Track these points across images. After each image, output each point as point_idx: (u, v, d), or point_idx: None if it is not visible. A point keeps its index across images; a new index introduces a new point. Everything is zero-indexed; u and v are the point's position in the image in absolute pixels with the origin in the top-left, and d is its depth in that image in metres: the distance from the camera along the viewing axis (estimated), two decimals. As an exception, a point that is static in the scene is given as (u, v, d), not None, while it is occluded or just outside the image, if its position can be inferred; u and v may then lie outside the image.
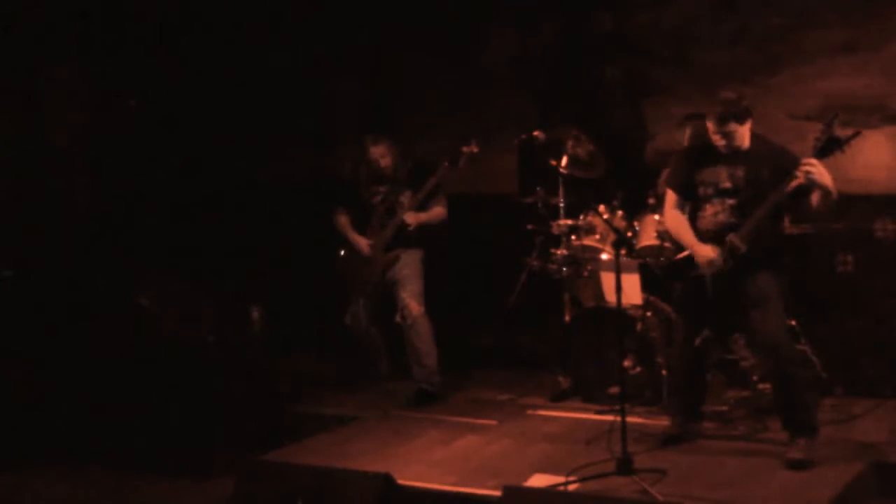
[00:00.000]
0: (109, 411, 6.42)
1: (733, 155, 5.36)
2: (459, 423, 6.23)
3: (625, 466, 5.01)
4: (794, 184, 5.14)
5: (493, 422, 6.22)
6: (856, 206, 6.74)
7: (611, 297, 5.97)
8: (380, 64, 8.32)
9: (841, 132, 5.15)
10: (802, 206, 5.31)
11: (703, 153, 5.47)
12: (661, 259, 6.21)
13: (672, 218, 5.57)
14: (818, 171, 5.06)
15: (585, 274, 6.72)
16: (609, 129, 7.35)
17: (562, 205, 6.77)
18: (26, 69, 7.71)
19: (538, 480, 5.07)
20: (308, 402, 6.91)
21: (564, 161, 6.74)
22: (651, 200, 6.49)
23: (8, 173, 7.59)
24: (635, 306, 6.37)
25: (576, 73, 7.69)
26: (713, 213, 5.40)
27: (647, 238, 6.44)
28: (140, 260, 7.60)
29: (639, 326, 6.34)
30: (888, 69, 6.76)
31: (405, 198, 6.85)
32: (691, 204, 5.51)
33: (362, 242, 6.97)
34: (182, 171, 8.26)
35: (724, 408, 6.01)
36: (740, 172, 5.33)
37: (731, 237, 5.27)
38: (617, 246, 5.32)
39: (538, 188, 6.83)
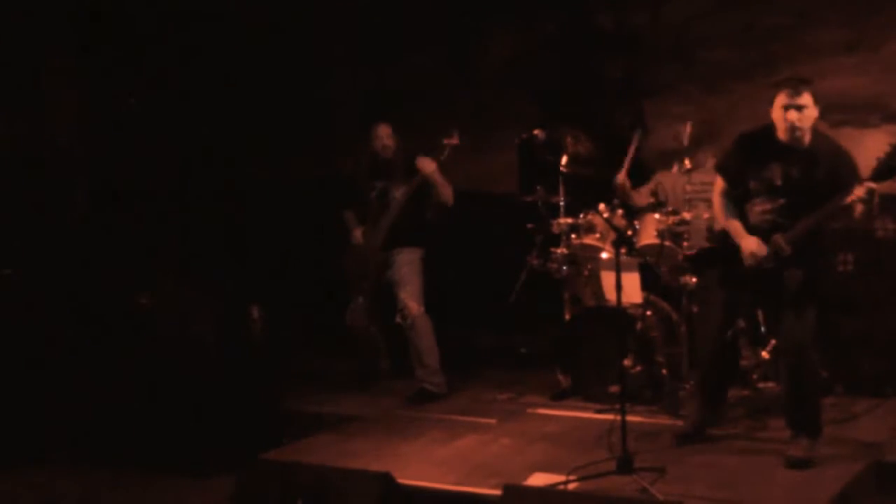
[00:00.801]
0: (109, 411, 6.42)
1: (790, 151, 5.18)
2: (459, 422, 6.23)
3: (625, 465, 5.01)
4: (848, 200, 4.99)
5: (493, 421, 6.21)
6: (856, 205, 6.74)
7: (611, 295, 5.97)
8: (380, 64, 8.32)
9: None
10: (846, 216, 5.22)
11: (759, 145, 5.26)
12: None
13: (720, 205, 5.42)
14: (873, 197, 4.95)
15: (585, 273, 6.72)
16: (609, 128, 7.35)
17: (562, 203, 6.77)
18: (26, 69, 7.71)
19: (538, 479, 5.07)
20: (308, 402, 6.91)
21: (564, 160, 6.74)
22: (651, 199, 6.49)
23: (8, 173, 7.58)
24: (635, 305, 6.38)
25: (576, 73, 7.69)
26: (762, 209, 5.24)
27: (648, 237, 6.44)
28: (140, 260, 7.60)
29: (639, 325, 6.33)
30: (888, 68, 6.77)
31: (398, 193, 6.84)
32: (740, 194, 5.34)
33: (357, 234, 6.98)
34: (182, 170, 8.26)
35: (725, 407, 6.00)
36: (795, 172, 5.15)
37: (778, 238, 5.14)
38: (617, 245, 5.32)
39: (538, 187, 6.83)
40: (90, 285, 7.22)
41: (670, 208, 6.40)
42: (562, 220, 6.72)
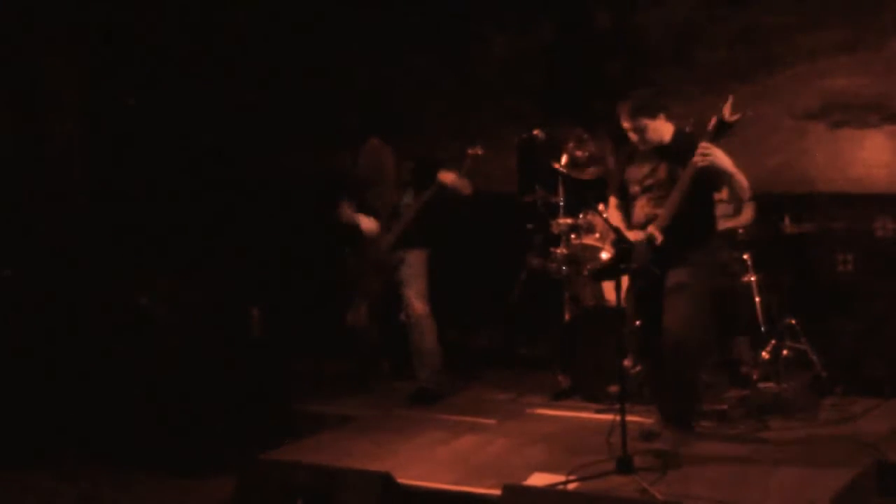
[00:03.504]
0: (109, 411, 6.42)
1: (655, 151, 5.48)
2: (459, 422, 6.23)
3: (625, 465, 5.01)
4: (694, 169, 5.21)
5: (493, 421, 6.22)
6: (856, 205, 6.76)
7: (610, 296, 5.97)
8: (380, 64, 8.32)
9: (730, 116, 5.20)
10: (714, 194, 5.45)
11: (631, 152, 5.62)
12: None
13: (610, 217, 5.65)
14: (714, 153, 5.17)
15: (585, 273, 6.72)
16: (609, 128, 7.35)
17: (561, 204, 6.77)
18: (26, 68, 7.71)
19: (538, 479, 5.07)
20: (308, 402, 6.91)
21: (565, 160, 6.74)
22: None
23: (8, 173, 7.58)
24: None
25: (576, 73, 7.69)
26: (640, 208, 5.53)
27: (647, 237, 6.45)
28: (140, 259, 7.60)
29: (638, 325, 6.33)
30: (888, 68, 6.77)
31: (408, 198, 6.83)
32: (629, 203, 5.64)
33: (368, 223, 6.86)
34: (182, 170, 8.26)
35: (724, 407, 6.00)
36: (662, 168, 5.45)
37: (650, 227, 5.38)
38: (617, 245, 5.33)
39: (538, 187, 6.83)
40: (90, 285, 7.21)
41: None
42: (561, 220, 6.72)
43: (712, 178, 5.29)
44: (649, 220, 5.43)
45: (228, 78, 8.39)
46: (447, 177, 6.62)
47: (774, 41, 7.10)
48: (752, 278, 6.40)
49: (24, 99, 7.75)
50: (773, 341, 6.31)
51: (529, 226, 6.84)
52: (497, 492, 4.83)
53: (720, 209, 6.61)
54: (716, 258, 5.68)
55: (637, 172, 5.55)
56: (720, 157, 5.22)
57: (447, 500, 5.07)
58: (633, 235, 5.44)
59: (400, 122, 7.71)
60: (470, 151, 6.70)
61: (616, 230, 5.37)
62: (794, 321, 6.35)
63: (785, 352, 6.30)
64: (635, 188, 5.56)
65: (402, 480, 5.09)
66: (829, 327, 6.60)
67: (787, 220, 6.42)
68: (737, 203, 6.02)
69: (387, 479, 5.04)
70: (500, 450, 5.62)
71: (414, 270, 6.80)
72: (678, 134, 5.53)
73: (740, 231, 6.55)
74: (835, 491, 4.81)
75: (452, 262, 7.50)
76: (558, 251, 6.73)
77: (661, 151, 5.50)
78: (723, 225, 6.63)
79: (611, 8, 7.56)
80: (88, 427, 6.43)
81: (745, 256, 6.46)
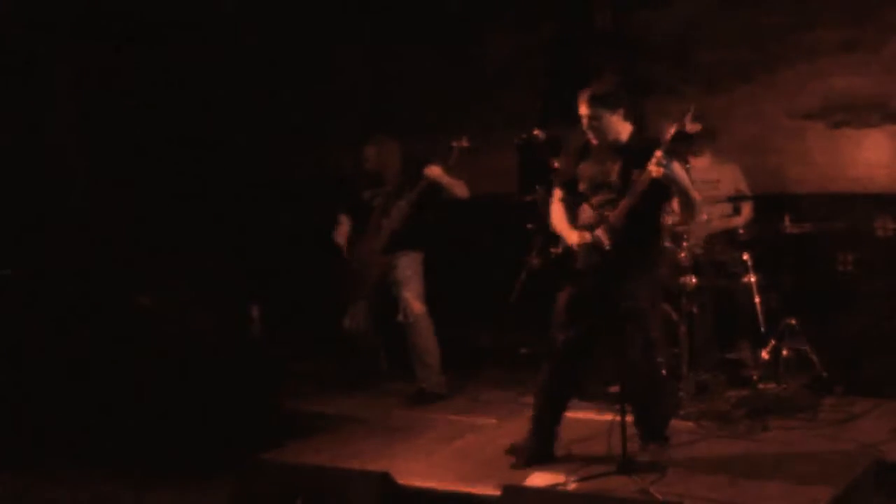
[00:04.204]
0: (109, 411, 6.42)
1: (611, 149, 5.20)
2: (459, 422, 6.23)
3: (625, 465, 5.01)
4: (648, 178, 4.94)
5: (493, 421, 6.22)
6: (856, 205, 6.76)
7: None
8: (380, 64, 8.32)
9: (691, 127, 5.05)
10: (666, 206, 5.26)
11: (586, 149, 5.33)
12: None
13: (553, 209, 5.45)
14: (668, 165, 4.91)
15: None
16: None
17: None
18: (26, 68, 7.71)
19: (538, 479, 5.07)
20: (308, 402, 6.91)
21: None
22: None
23: (8, 173, 7.58)
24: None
25: (575, 73, 7.68)
26: (589, 208, 5.28)
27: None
28: (140, 260, 7.60)
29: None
30: (888, 68, 6.77)
31: (400, 199, 6.84)
32: (575, 198, 5.38)
33: (341, 240, 7.00)
34: (182, 170, 8.26)
35: (725, 407, 6.00)
36: (616, 168, 5.17)
37: (598, 230, 5.12)
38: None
39: (538, 187, 6.82)
40: (90, 285, 7.21)
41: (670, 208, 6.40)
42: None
43: (664, 189, 5.04)
44: (598, 223, 5.16)
45: (228, 77, 8.39)
46: (433, 171, 6.60)
47: (774, 41, 7.10)
48: (752, 278, 6.39)
49: (24, 99, 7.76)
50: (773, 341, 6.31)
51: (529, 226, 6.82)
52: (497, 492, 4.83)
53: (720, 209, 6.63)
54: (659, 274, 5.40)
55: (589, 170, 5.27)
56: (675, 169, 4.98)
57: (447, 500, 5.06)
58: (580, 236, 5.22)
59: (400, 121, 7.72)
60: (455, 144, 6.63)
61: (558, 231, 5.25)
62: (794, 321, 6.34)
63: (785, 352, 6.29)
64: (586, 186, 5.28)
65: (401, 480, 5.09)
66: (829, 327, 6.60)
67: (787, 220, 6.41)
68: (688, 218, 5.62)
69: (387, 479, 5.04)
70: (500, 450, 5.62)
71: (409, 272, 6.81)
72: (636, 136, 5.23)
73: (740, 231, 6.55)
74: (835, 491, 4.80)
75: (453, 261, 7.51)
76: (558, 251, 6.71)
77: (616, 150, 5.19)
78: (723, 225, 6.64)
79: (611, 8, 7.56)
80: (88, 427, 6.43)
81: (745, 256, 6.46)
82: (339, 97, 8.45)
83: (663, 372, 5.66)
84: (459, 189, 6.71)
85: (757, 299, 6.36)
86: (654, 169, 4.89)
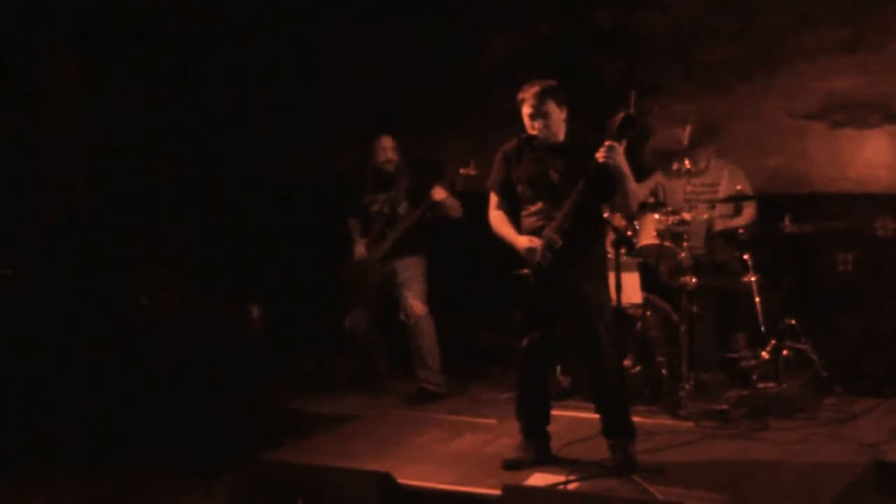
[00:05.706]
0: (109, 411, 6.42)
1: (551, 149, 5.15)
2: (459, 422, 6.23)
3: (625, 465, 5.00)
4: (595, 165, 4.91)
5: (493, 421, 6.21)
6: (856, 205, 6.76)
7: (612, 296, 5.96)
8: (380, 64, 8.32)
9: (635, 111, 4.99)
10: (610, 198, 5.18)
11: (521, 150, 5.24)
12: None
13: (493, 217, 5.39)
14: (615, 153, 4.89)
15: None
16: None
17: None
18: (26, 68, 7.71)
19: (538, 479, 5.07)
20: (308, 402, 6.91)
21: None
22: (651, 199, 6.49)
23: (8, 173, 7.58)
24: (635, 305, 6.37)
25: (575, 72, 7.68)
26: (535, 210, 5.21)
27: (647, 237, 6.45)
28: (140, 260, 7.60)
29: (638, 325, 6.34)
30: (889, 68, 6.77)
31: (403, 209, 6.86)
32: (516, 204, 5.31)
33: (359, 248, 6.99)
34: (182, 170, 8.26)
35: (724, 407, 6.00)
36: (559, 166, 5.12)
37: (546, 230, 5.08)
38: (617, 245, 5.30)
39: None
40: (90, 285, 7.22)
41: (670, 208, 6.41)
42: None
43: (610, 179, 4.98)
44: (545, 223, 5.11)
45: (228, 77, 8.39)
46: (439, 194, 6.66)
47: (774, 41, 7.10)
48: (752, 278, 6.39)
49: (24, 99, 7.76)
50: (773, 341, 6.31)
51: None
52: (497, 492, 4.83)
53: (720, 209, 6.63)
54: (606, 268, 5.30)
55: (526, 171, 5.20)
56: (620, 159, 4.93)
57: (447, 500, 5.06)
58: (528, 240, 5.13)
59: (400, 121, 7.72)
60: (462, 171, 6.73)
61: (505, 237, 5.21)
62: (794, 321, 6.34)
63: (785, 352, 6.29)
64: (527, 188, 5.21)
65: (402, 480, 5.09)
66: (829, 327, 6.60)
67: (787, 220, 6.41)
68: (625, 212, 5.58)
69: (387, 479, 5.04)
70: (500, 450, 5.61)
71: (411, 273, 6.83)
72: (572, 134, 5.18)
73: (740, 231, 6.55)
74: (835, 491, 4.81)
75: (453, 261, 7.51)
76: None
77: (553, 150, 5.14)
78: (723, 225, 6.64)
79: (611, 8, 7.55)
80: (88, 427, 6.43)
81: (745, 256, 6.46)
82: (339, 97, 8.45)
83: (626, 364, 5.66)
84: (455, 211, 6.78)
85: (757, 299, 6.36)
86: (602, 155, 4.88)
